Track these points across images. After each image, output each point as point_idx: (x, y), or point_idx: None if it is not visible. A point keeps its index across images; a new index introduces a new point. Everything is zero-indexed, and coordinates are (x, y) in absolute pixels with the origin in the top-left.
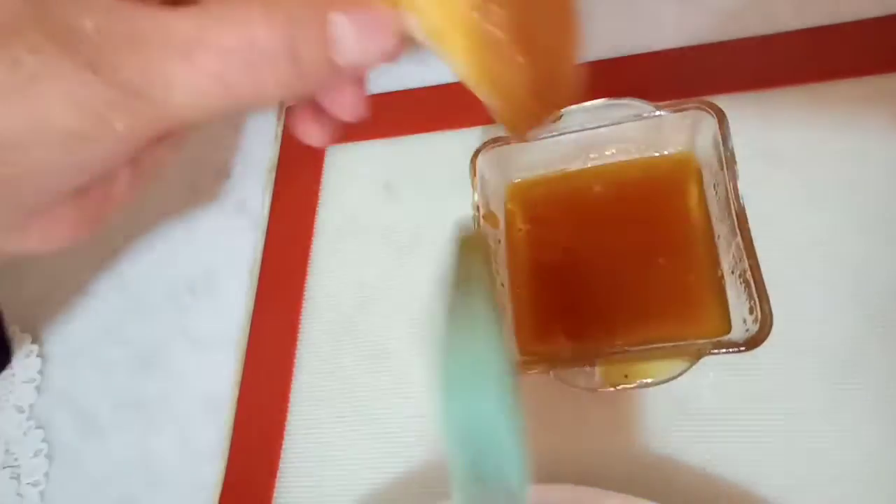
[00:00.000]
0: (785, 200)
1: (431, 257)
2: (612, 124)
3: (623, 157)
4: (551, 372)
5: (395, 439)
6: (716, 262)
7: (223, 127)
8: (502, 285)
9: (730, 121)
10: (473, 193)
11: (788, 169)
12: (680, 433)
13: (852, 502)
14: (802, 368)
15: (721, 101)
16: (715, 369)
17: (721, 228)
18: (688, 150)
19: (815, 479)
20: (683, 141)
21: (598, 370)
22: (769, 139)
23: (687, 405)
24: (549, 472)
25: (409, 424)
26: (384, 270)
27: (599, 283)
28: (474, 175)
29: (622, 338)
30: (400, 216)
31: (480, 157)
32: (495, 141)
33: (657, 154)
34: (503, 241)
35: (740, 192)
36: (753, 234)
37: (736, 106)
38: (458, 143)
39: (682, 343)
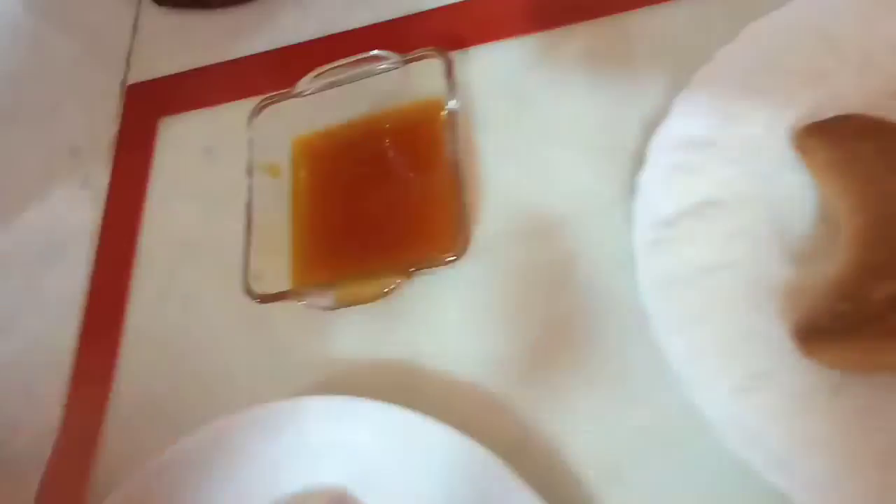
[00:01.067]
0: (524, 133)
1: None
2: (367, 76)
3: (384, 105)
4: (294, 297)
5: (215, 380)
6: (459, 193)
7: (75, 108)
8: None
9: (482, 66)
10: (248, 149)
11: (531, 107)
12: (422, 342)
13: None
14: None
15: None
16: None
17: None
18: (437, 94)
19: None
20: (433, 86)
21: (333, 293)
22: (517, 80)
23: (427, 317)
24: (303, 386)
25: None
26: (203, 226)
27: (363, 219)
28: (252, 132)
29: (380, 263)
30: (217, 177)
31: (258, 116)
32: (269, 99)
33: (411, 100)
34: (287, 189)
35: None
36: (501, 164)
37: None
38: None
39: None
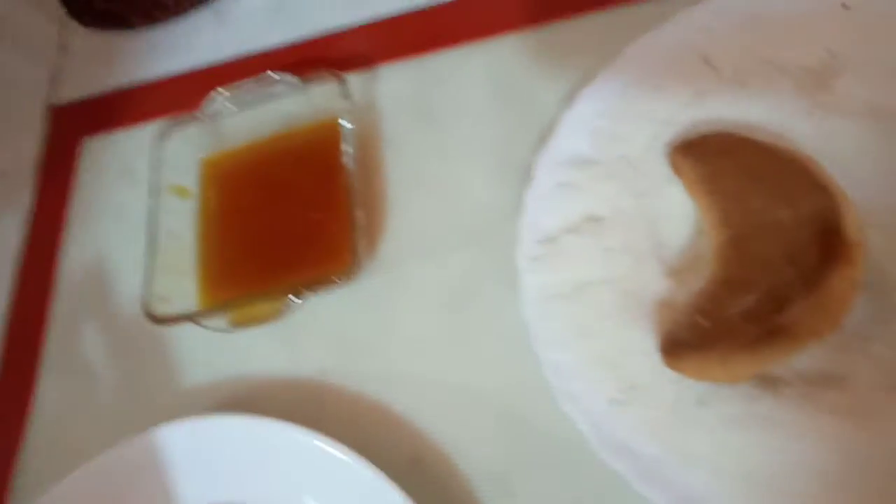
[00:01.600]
0: (426, 151)
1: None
2: (270, 98)
3: (288, 126)
4: (192, 320)
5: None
6: (351, 214)
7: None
8: None
9: (389, 85)
10: (152, 172)
11: (436, 125)
12: (325, 359)
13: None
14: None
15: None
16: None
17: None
18: (338, 114)
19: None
20: (334, 107)
21: (228, 315)
22: (421, 98)
23: (331, 334)
24: (208, 406)
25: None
26: (122, 248)
27: (264, 240)
28: (159, 154)
29: (276, 283)
30: (138, 198)
31: (167, 137)
32: (175, 120)
33: (313, 121)
34: (196, 210)
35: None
36: (404, 182)
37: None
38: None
39: (287, 285)
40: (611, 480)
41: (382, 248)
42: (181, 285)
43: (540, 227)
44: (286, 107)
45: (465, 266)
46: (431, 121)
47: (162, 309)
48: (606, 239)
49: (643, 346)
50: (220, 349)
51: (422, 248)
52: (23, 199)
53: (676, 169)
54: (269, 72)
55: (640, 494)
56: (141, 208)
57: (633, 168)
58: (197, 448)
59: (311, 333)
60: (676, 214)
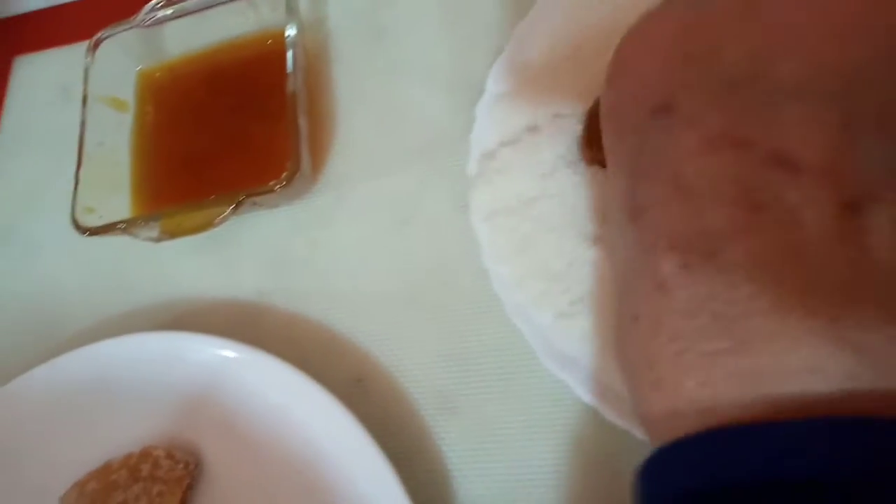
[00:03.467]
0: (376, 69)
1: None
2: (212, 6)
3: (230, 37)
4: (121, 229)
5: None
6: (295, 122)
7: None
8: None
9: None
10: (84, 82)
11: (387, 42)
12: (267, 279)
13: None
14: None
15: None
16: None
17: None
18: (283, 26)
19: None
20: (279, 18)
21: (157, 224)
22: (372, 14)
23: (273, 253)
24: (149, 324)
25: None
26: (55, 167)
27: (204, 154)
28: (91, 63)
29: (214, 195)
30: (73, 116)
31: (100, 47)
32: (111, 29)
33: (257, 32)
34: (131, 123)
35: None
36: (353, 100)
37: None
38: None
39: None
40: (559, 392)
41: (329, 167)
42: (112, 200)
43: (485, 141)
44: (229, 18)
45: (415, 184)
46: (382, 37)
47: (90, 221)
48: (545, 150)
49: (590, 258)
50: (157, 270)
51: (370, 166)
52: None
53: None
54: None
55: (588, 405)
56: (73, 128)
57: (581, 69)
58: (135, 365)
59: (252, 254)
60: None
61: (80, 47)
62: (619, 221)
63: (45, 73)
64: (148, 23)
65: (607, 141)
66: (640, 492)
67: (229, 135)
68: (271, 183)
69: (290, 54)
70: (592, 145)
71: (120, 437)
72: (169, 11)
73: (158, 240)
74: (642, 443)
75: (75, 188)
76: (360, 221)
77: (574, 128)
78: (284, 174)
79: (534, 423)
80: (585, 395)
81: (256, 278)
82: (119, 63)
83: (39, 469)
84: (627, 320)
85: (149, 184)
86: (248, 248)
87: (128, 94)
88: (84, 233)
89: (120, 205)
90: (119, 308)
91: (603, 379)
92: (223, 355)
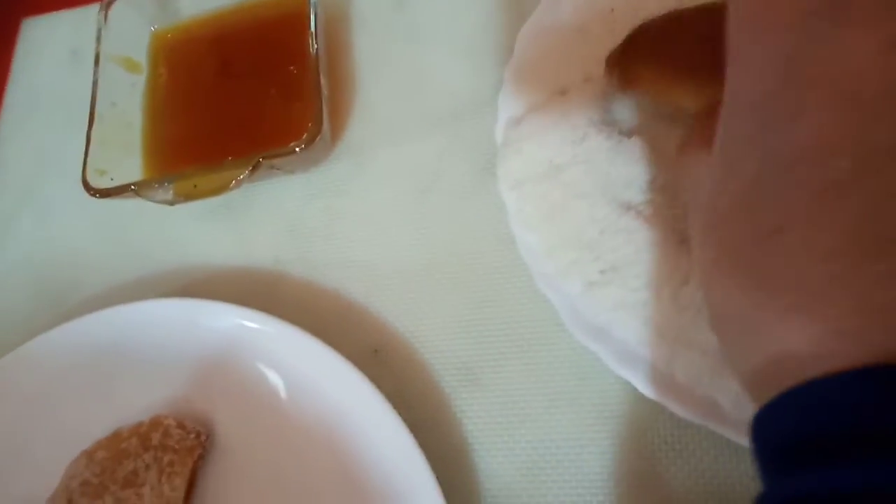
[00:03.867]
0: (398, 34)
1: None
2: None
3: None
4: (133, 191)
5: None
6: (318, 85)
7: None
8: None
9: None
10: (97, 42)
11: (409, 7)
12: (284, 247)
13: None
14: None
15: None
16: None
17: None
18: None
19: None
20: None
21: (171, 186)
22: None
23: (291, 221)
24: (164, 290)
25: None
26: (66, 131)
27: (221, 117)
28: (104, 23)
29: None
30: (84, 80)
31: (112, 7)
32: None
33: None
34: (144, 85)
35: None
36: (375, 66)
37: None
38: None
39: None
40: (585, 364)
41: (347, 134)
42: (125, 162)
43: (513, 106)
44: None
45: (436, 151)
46: (405, 1)
47: (102, 183)
48: (575, 115)
49: (625, 225)
50: (171, 236)
51: (390, 133)
52: None
53: (625, 85)
54: None
55: (617, 377)
56: (88, 90)
57: (614, 30)
58: (151, 330)
59: (268, 221)
60: None
61: (90, 10)
62: (762, 122)
63: (54, 35)
64: None
65: (737, 39)
66: (784, 429)
67: (245, 97)
68: (292, 144)
69: (312, 14)
70: (628, 67)
71: (131, 404)
72: None
73: (173, 203)
74: (676, 418)
75: (86, 148)
76: (380, 189)
77: (605, 91)
78: (305, 135)
79: (558, 396)
80: (616, 367)
81: (272, 246)
82: (132, 23)
83: (48, 436)
84: (760, 235)
85: (162, 147)
86: (263, 216)
87: (141, 55)
88: (94, 194)
89: (132, 168)
90: (133, 274)
91: (639, 350)
92: (239, 323)
